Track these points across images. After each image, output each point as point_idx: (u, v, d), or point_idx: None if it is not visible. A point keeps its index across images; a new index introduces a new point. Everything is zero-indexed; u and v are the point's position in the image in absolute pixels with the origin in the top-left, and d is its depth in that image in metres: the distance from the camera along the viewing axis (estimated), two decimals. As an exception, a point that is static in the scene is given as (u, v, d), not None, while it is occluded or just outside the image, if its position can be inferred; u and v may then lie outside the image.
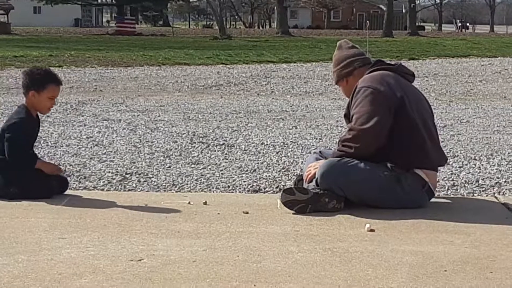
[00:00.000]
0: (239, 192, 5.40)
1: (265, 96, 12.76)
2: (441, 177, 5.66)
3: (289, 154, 6.83)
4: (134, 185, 5.56)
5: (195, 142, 7.44)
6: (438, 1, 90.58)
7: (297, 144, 7.38)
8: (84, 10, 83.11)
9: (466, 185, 5.62)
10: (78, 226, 4.17)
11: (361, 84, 4.63)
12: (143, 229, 4.12)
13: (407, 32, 53.43)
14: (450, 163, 6.24)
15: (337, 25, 78.88)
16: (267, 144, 7.37)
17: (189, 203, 4.75)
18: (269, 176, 5.89)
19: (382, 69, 4.74)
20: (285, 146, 7.26)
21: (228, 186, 5.53)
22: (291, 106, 11.04)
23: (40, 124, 5.15)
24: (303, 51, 27.46)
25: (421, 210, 4.56)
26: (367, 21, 35.57)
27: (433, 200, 4.76)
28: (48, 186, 4.84)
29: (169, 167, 6.19)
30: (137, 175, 5.84)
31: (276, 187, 5.49)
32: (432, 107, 4.97)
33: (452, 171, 6.07)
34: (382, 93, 4.54)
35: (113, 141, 7.50)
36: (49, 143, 7.24)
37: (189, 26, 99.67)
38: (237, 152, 6.94)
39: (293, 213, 4.47)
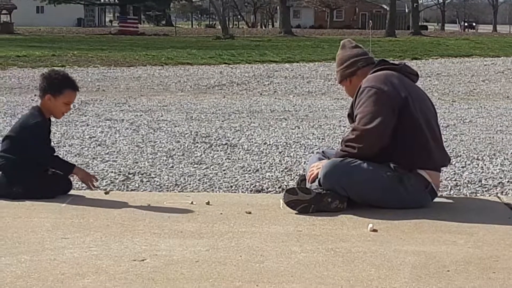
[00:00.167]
0: (242, 192, 5.40)
1: (267, 96, 12.76)
2: (444, 177, 5.65)
3: (291, 154, 6.83)
4: (137, 185, 5.56)
5: (197, 142, 7.44)
6: (441, 1, 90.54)
7: (300, 144, 7.38)
8: (87, 9, 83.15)
9: (469, 185, 5.62)
10: (80, 226, 4.17)
11: (365, 84, 4.62)
12: (145, 229, 4.12)
13: (409, 32, 53.36)
14: (453, 163, 6.23)
15: (339, 24, 78.80)
16: (269, 144, 7.38)
17: (191, 203, 4.75)
18: (271, 176, 5.89)
19: (386, 69, 4.73)
20: (287, 146, 7.26)
21: (231, 186, 5.54)
22: (293, 106, 11.04)
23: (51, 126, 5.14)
24: (305, 51, 27.46)
25: (424, 210, 4.56)
26: (370, 21, 35.59)
27: (435, 200, 4.76)
28: (51, 186, 4.84)
29: (172, 167, 6.20)
30: (140, 175, 5.85)
31: (279, 187, 5.49)
32: (435, 107, 4.96)
33: (455, 171, 6.07)
34: (386, 93, 4.54)
35: (115, 141, 7.50)
36: (52, 143, 7.22)
37: (192, 26, 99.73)
38: (239, 152, 6.94)
39: (295, 213, 4.47)
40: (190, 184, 5.57)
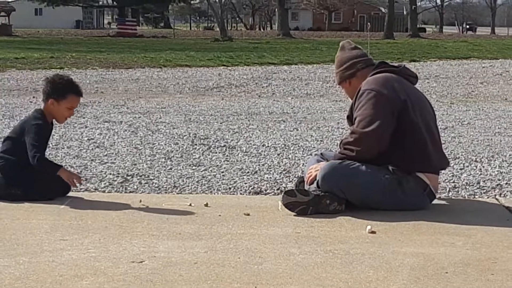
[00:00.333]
0: (240, 194, 5.40)
1: (266, 98, 12.77)
2: (442, 179, 5.66)
3: (290, 156, 6.83)
4: (135, 187, 5.56)
5: (196, 144, 7.44)
6: (439, 3, 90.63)
7: (298, 146, 7.39)
8: (85, 12, 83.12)
9: (467, 187, 5.62)
10: (79, 227, 4.17)
11: (365, 86, 4.61)
12: (144, 231, 4.12)
13: (408, 34, 53.43)
14: (451, 165, 6.23)
15: (338, 27, 78.88)
16: (268, 146, 7.38)
17: (190, 205, 4.75)
18: (270, 178, 5.89)
19: (386, 71, 4.72)
20: (286, 148, 7.26)
21: (229, 188, 5.54)
22: (292, 108, 11.04)
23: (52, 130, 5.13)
24: (304, 53, 27.47)
25: (422, 212, 4.56)
26: (368, 23, 35.58)
27: (434, 202, 4.76)
28: (50, 187, 4.84)
29: (170, 169, 6.20)
30: (138, 177, 5.85)
31: (277, 189, 5.49)
32: (434, 109, 4.96)
33: (453, 173, 6.07)
34: (385, 96, 4.53)
35: (114, 143, 7.50)
36: (50, 145, 7.21)
37: (190, 28, 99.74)
38: (238, 154, 6.95)
39: (294, 215, 4.47)
40: (188, 186, 5.57)
